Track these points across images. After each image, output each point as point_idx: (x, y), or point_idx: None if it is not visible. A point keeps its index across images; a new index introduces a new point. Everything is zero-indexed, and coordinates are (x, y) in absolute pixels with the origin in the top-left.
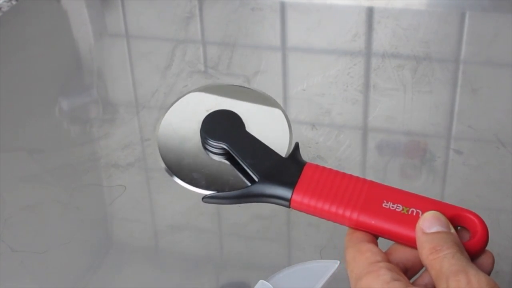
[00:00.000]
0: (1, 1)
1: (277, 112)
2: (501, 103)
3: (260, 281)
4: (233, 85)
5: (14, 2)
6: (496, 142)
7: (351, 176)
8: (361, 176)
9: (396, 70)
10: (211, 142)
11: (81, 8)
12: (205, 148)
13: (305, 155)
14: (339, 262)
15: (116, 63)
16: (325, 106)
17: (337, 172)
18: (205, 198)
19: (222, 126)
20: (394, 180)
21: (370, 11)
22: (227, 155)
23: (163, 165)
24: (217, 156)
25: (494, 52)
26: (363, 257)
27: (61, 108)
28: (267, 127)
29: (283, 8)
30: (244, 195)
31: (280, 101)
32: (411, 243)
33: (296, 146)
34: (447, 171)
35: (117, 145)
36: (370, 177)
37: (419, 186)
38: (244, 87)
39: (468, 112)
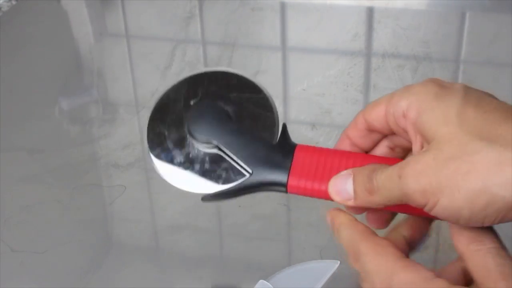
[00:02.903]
0: (1, 1)
1: (261, 94)
2: None
3: (260, 281)
4: (214, 71)
5: (14, 2)
6: None
7: (342, 151)
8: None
9: (396, 70)
10: (199, 140)
11: (81, 8)
12: (194, 144)
13: None
14: (339, 262)
15: (116, 63)
16: (325, 106)
17: (328, 150)
18: (204, 199)
19: (207, 122)
20: None
21: (370, 11)
22: (217, 147)
23: (158, 170)
24: (208, 148)
25: (494, 52)
26: (387, 251)
27: (61, 108)
28: (252, 111)
29: (283, 8)
30: (241, 189)
31: (280, 101)
32: (413, 211)
33: (284, 128)
34: None
35: (117, 145)
36: None
37: None
38: (226, 72)
39: None
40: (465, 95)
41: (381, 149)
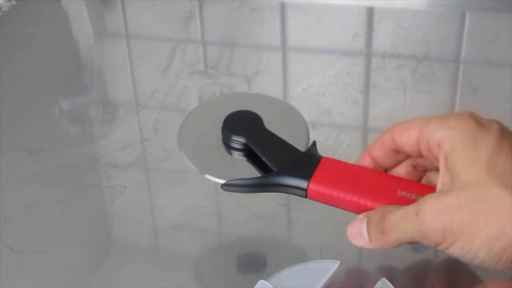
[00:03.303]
0: (1, 1)
1: (296, 115)
2: (501, 103)
3: (260, 281)
4: (253, 93)
5: (14, 2)
6: None
7: (366, 168)
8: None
9: (396, 70)
10: (232, 137)
11: (81, 8)
12: (226, 144)
13: None
14: (339, 262)
15: (116, 63)
16: (325, 106)
17: (352, 165)
18: (224, 186)
19: (242, 123)
20: None
21: (370, 11)
22: (246, 151)
23: (185, 158)
24: (237, 152)
25: (494, 52)
26: None
27: (61, 108)
28: (286, 129)
29: (283, 8)
30: (262, 183)
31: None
32: None
33: (314, 143)
34: None
35: (117, 145)
36: None
37: None
38: (266, 95)
39: None
40: (500, 140)
41: (404, 168)
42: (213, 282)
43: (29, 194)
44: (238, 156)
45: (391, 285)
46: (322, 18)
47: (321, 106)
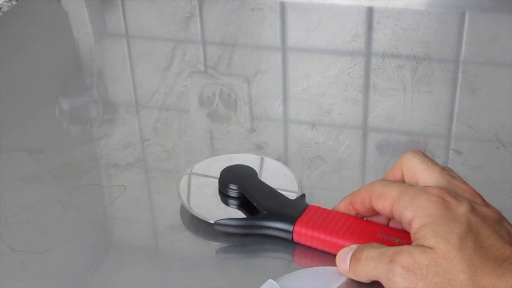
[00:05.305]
0: (1, 1)
1: (288, 175)
2: (501, 103)
3: (269, 280)
4: (247, 154)
5: (14, 2)
6: (496, 142)
7: (348, 215)
8: (361, 176)
9: (396, 70)
10: (227, 185)
11: (81, 8)
12: (221, 193)
13: (305, 155)
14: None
15: (116, 63)
16: (325, 106)
17: (336, 212)
18: (215, 225)
19: (238, 173)
20: None
21: (370, 11)
22: (240, 200)
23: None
24: (232, 200)
25: (494, 52)
26: None
27: (61, 108)
28: (277, 182)
29: (283, 8)
30: (251, 225)
31: (280, 101)
32: None
33: (303, 195)
34: None
35: (117, 145)
36: (370, 177)
37: None
38: (259, 156)
39: (468, 112)
40: (469, 224)
41: (382, 218)
42: (213, 282)
43: (29, 194)
44: (232, 205)
45: None
46: (322, 18)
47: (321, 106)
